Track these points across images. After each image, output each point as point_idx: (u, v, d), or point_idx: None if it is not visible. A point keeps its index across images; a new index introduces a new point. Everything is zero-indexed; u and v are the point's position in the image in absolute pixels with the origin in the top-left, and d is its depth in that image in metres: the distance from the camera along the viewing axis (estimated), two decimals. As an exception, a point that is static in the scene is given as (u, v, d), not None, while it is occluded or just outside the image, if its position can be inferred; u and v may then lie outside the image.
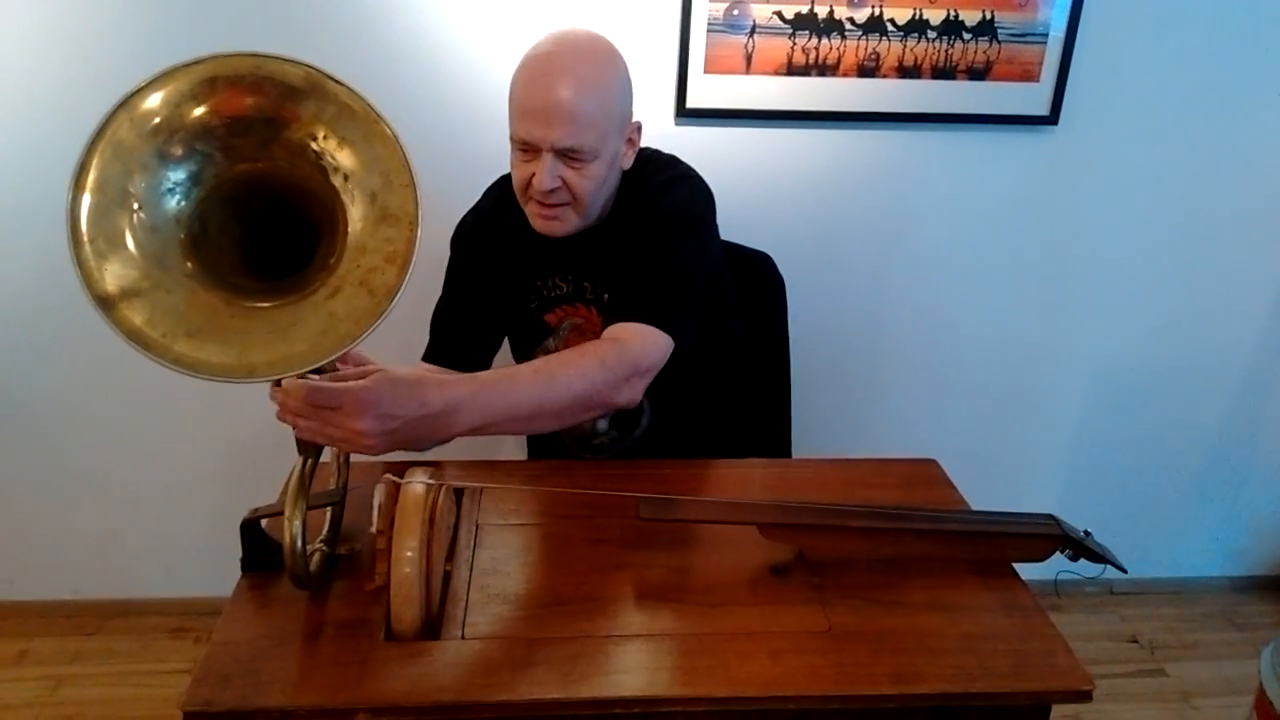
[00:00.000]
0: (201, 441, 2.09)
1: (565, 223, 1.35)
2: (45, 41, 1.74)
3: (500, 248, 1.47)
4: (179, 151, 0.86)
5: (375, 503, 1.04)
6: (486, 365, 1.51)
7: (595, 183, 1.32)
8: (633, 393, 1.25)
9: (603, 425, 1.51)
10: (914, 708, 0.98)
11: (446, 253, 1.51)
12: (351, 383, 1.00)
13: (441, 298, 1.52)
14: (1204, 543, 2.40)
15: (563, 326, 1.49)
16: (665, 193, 1.41)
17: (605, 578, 1.13)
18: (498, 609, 1.06)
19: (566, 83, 1.26)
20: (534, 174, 1.30)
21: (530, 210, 1.36)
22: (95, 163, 0.82)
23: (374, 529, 1.03)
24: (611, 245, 1.42)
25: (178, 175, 0.86)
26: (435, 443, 1.11)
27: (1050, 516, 1.22)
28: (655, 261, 1.34)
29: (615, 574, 1.13)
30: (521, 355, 1.54)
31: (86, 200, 0.81)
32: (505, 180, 1.50)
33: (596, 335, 1.42)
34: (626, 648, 1.00)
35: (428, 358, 1.50)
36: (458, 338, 1.49)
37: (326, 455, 1.10)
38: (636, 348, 1.25)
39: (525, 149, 1.31)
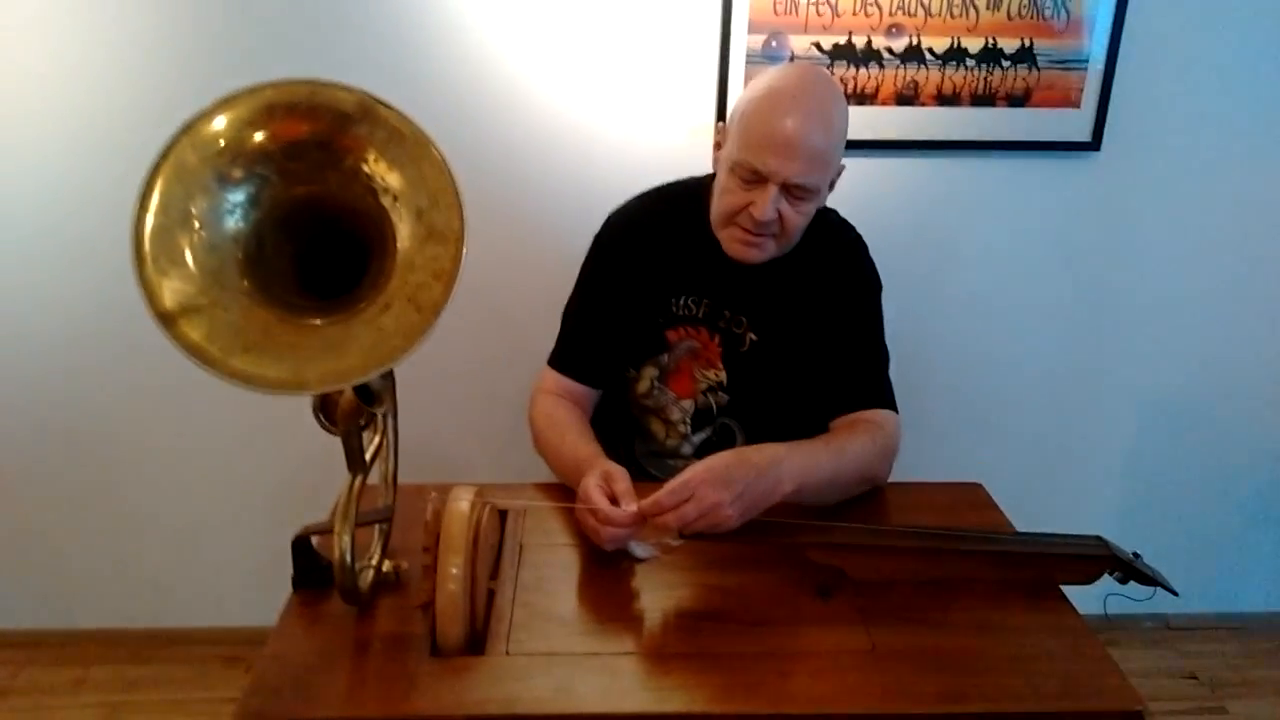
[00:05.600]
0: (252, 476, 2.14)
1: (765, 252, 1.36)
2: (115, 72, 1.81)
3: (642, 256, 1.47)
4: (238, 174, 0.89)
5: (422, 521, 1.06)
6: (613, 373, 1.51)
7: (806, 219, 1.36)
8: (889, 470, 1.40)
9: (687, 450, 1.51)
10: (960, 727, 0.97)
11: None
12: (686, 474, 1.12)
13: (574, 296, 1.52)
14: (1264, 576, 2.33)
15: (680, 346, 1.48)
16: (859, 254, 1.49)
17: (648, 596, 1.13)
18: (541, 626, 1.07)
19: (811, 120, 1.27)
20: (751, 202, 1.31)
21: (728, 234, 1.37)
22: (159, 184, 0.86)
23: (421, 547, 1.05)
24: (770, 281, 1.43)
25: (237, 197, 0.90)
26: (768, 504, 1.17)
27: (1098, 538, 1.20)
28: (871, 338, 1.47)
29: (658, 592, 1.14)
30: (629, 364, 1.51)
31: (150, 220, 0.85)
32: (661, 190, 1.52)
33: (710, 364, 1.47)
34: (669, 665, 1.01)
35: (555, 360, 1.50)
36: (588, 338, 1.49)
37: (374, 476, 1.13)
38: (890, 430, 1.40)
39: (751, 178, 1.31)
